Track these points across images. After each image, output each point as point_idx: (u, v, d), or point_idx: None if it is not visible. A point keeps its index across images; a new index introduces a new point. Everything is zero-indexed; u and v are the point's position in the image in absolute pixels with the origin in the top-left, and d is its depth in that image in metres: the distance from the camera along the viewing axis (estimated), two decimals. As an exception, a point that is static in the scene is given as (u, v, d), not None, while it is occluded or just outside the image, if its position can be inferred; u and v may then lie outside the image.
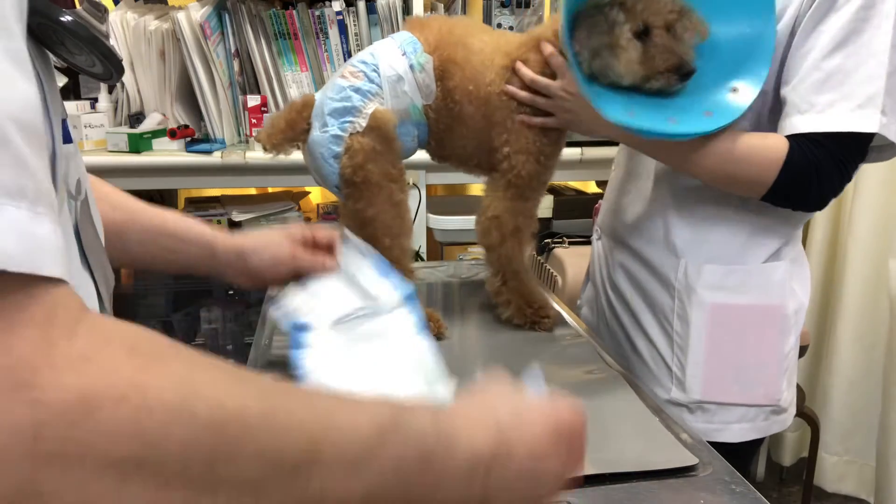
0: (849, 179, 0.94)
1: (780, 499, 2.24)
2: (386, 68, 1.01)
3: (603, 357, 1.02)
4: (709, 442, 1.00)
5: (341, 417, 0.36)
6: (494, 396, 0.48)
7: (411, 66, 1.02)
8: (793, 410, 1.10)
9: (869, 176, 1.91)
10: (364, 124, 0.99)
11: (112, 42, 0.45)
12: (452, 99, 1.04)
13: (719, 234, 1.03)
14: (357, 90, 1.00)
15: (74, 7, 0.48)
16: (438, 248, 2.15)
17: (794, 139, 0.92)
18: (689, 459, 0.74)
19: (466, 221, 2.05)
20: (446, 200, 2.30)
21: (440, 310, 1.11)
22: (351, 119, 0.99)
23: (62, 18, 0.44)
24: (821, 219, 2.09)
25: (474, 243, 2.15)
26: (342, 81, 1.01)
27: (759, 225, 1.02)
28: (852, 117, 0.89)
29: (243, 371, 0.35)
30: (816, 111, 0.90)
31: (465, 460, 0.41)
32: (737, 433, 1.05)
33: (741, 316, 1.03)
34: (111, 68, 0.50)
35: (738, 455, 1.07)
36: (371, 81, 1.00)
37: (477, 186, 2.46)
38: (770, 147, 0.92)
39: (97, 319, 0.31)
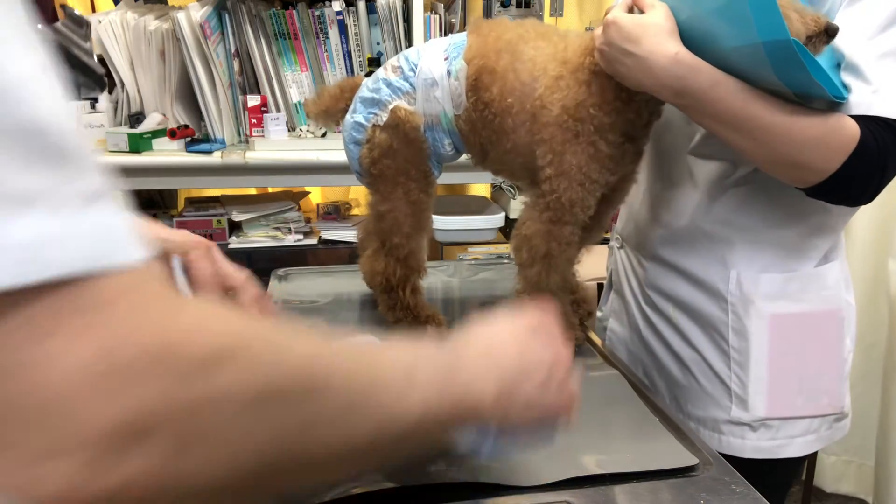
0: None
1: (779, 499, 2.24)
2: (424, 70, 0.98)
3: (605, 357, 1.02)
4: (772, 459, 0.98)
5: (384, 364, 0.45)
6: (495, 341, 0.55)
7: (448, 73, 0.97)
8: (850, 415, 1.05)
9: (868, 176, 1.91)
10: (385, 119, 0.98)
11: (94, 58, 0.44)
12: (490, 111, 0.95)
13: (770, 240, 0.97)
14: (389, 84, 0.99)
15: (56, 17, 0.46)
16: (438, 248, 2.15)
17: (862, 121, 0.81)
18: (689, 459, 0.74)
19: (466, 221, 2.05)
20: (446, 200, 2.30)
21: (440, 310, 1.10)
22: (375, 111, 0.99)
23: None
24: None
25: (474, 243, 2.16)
26: (382, 72, 1.01)
27: (809, 227, 0.96)
28: None
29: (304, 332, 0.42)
30: (882, 88, 0.81)
31: (472, 402, 0.49)
32: (801, 446, 0.99)
33: (801, 324, 0.98)
34: (94, 84, 0.49)
35: (796, 465, 1.04)
36: (405, 80, 0.98)
37: (477, 186, 2.46)
38: (844, 131, 0.80)
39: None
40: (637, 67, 0.84)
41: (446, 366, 0.49)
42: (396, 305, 1.07)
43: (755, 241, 0.97)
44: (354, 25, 1.98)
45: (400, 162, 1.00)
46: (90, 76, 0.49)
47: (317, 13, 1.97)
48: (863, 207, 0.93)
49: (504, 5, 2.06)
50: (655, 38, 0.83)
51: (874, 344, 2.02)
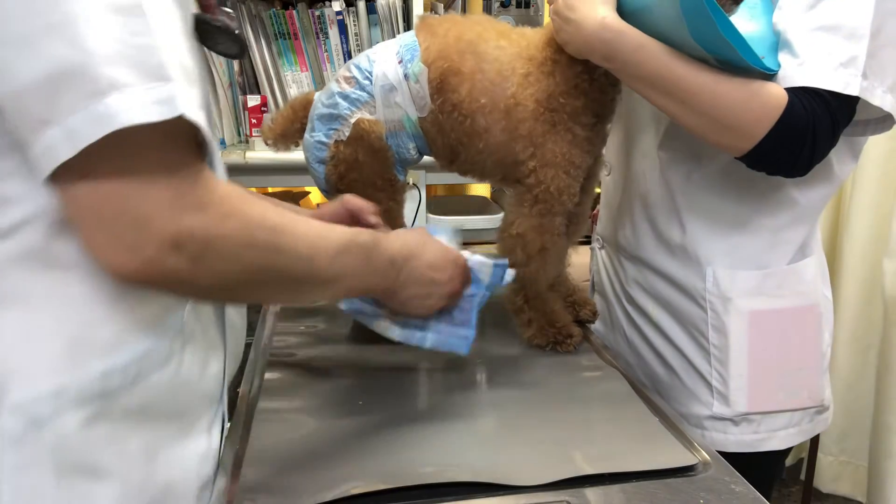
0: (835, 144, 0.86)
1: (779, 499, 2.24)
2: (379, 76, 0.97)
3: (603, 357, 1.02)
4: (754, 453, 1.00)
5: (328, 236, 0.69)
6: (414, 236, 0.82)
7: (406, 76, 0.96)
8: (832, 408, 1.07)
9: (864, 175, 1.91)
10: (348, 133, 0.98)
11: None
12: (460, 113, 0.96)
13: (741, 235, 0.98)
14: (346, 97, 0.98)
15: (214, 10, 0.68)
16: (438, 248, 2.14)
17: (790, 91, 0.82)
18: (688, 459, 0.74)
19: (466, 221, 2.05)
20: (446, 200, 2.31)
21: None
22: (336, 127, 0.98)
23: (216, 24, 0.66)
24: (818, 219, 2.09)
25: (474, 243, 2.16)
26: (335, 86, 1.00)
27: (779, 221, 0.97)
28: (837, 75, 0.81)
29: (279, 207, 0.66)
30: (808, 60, 0.82)
31: (388, 258, 0.76)
32: (783, 440, 1.01)
33: (780, 320, 0.99)
34: (243, 49, 0.70)
35: (779, 459, 1.05)
36: (362, 89, 0.98)
37: (477, 186, 2.46)
38: (771, 95, 0.82)
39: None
40: (573, 32, 0.88)
41: (366, 253, 0.73)
42: None
43: (728, 237, 0.99)
44: (354, 25, 1.98)
45: (366, 174, 1.00)
46: (242, 44, 0.66)
47: (317, 13, 1.97)
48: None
49: (504, 5, 2.06)
50: (589, 4, 0.87)
51: (871, 346, 2.02)
